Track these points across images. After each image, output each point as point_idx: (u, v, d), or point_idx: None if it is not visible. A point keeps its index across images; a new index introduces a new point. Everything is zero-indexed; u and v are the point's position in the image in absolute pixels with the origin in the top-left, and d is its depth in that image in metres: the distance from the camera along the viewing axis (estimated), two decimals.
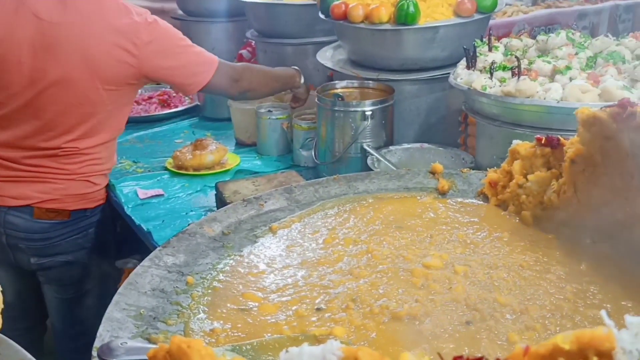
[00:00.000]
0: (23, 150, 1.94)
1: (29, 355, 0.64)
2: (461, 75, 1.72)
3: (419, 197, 1.34)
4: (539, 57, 1.71)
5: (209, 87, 2.03)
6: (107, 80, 1.90)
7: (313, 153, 2.12)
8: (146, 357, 0.62)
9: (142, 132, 2.74)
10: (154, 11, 2.52)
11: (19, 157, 1.95)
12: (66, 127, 1.94)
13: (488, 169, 1.32)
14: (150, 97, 3.10)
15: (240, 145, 2.54)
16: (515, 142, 1.26)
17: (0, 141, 1.95)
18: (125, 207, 2.06)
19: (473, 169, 1.45)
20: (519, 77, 1.54)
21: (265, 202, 1.29)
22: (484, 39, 1.86)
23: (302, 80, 2.28)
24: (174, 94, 3.10)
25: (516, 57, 1.62)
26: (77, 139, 1.96)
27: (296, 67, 2.30)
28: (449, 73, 1.82)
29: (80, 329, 2.14)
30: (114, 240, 2.26)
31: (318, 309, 0.95)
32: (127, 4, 1.94)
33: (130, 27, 1.89)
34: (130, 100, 2.07)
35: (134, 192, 2.16)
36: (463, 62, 1.78)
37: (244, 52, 3.21)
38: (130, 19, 1.90)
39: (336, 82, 2.13)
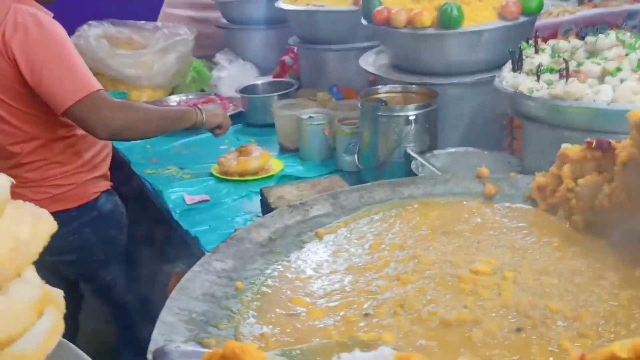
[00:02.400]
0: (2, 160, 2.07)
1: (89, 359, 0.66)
2: (507, 78, 1.69)
3: (465, 202, 1.32)
4: (587, 58, 1.67)
5: (72, 113, 1.94)
6: None
7: (356, 158, 2.13)
8: None
9: (187, 139, 2.79)
10: (197, 20, 2.58)
11: (4, 168, 2.04)
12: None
13: (536, 173, 1.30)
14: (195, 104, 3.16)
15: (283, 150, 2.56)
16: (564, 145, 1.24)
17: None
18: (173, 213, 2.11)
19: (520, 173, 1.43)
20: (567, 80, 1.51)
21: (311, 207, 1.30)
22: (530, 41, 1.83)
23: (204, 116, 2.20)
24: (219, 100, 3.15)
25: (564, 59, 1.59)
26: (14, 144, 2.03)
27: (196, 107, 2.25)
28: (494, 76, 1.80)
29: (123, 312, 2.31)
30: (124, 233, 2.34)
31: (366, 315, 0.96)
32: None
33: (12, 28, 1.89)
34: (38, 104, 2.01)
35: (181, 197, 2.20)
36: (509, 65, 1.76)
37: (286, 58, 3.24)
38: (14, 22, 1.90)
39: (379, 87, 2.13)
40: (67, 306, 0.63)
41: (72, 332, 2.44)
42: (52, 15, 2.05)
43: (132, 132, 2.05)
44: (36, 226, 0.60)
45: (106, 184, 2.30)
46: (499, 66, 1.86)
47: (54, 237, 0.63)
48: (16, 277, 0.58)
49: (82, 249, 2.18)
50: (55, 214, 2.15)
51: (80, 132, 2.11)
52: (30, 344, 0.57)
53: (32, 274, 0.61)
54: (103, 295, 2.30)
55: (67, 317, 0.62)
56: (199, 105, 2.29)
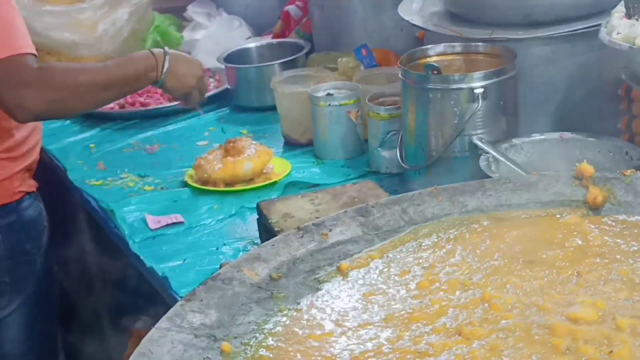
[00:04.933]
0: None
1: None
2: (618, 27, 1.70)
3: (559, 216, 1.33)
4: None
5: None
6: None
7: (398, 153, 2.14)
8: None
9: (150, 133, 2.83)
10: None
11: None
12: None
13: None
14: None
15: (290, 145, 2.58)
16: None
17: None
18: (130, 242, 2.14)
19: None
20: None
21: (331, 230, 1.31)
22: None
23: (166, 66, 2.20)
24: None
25: None
26: None
27: (160, 49, 2.25)
28: (599, 25, 1.80)
29: None
30: (42, 252, 2.39)
31: None
32: None
33: None
34: None
35: (142, 219, 2.23)
36: (621, 8, 1.76)
37: (291, 8, 3.27)
38: None
39: (429, 47, 2.15)
40: None
41: None
42: None
43: (59, 113, 2.18)
44: None
45: (32, 184, 2.38)
46: (606, 10, 1.87)
47: None
48: None
49: None
50: None
51: None
52: None
53: None
54: None
55: None
56: (167, 50, 2.27)
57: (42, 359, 2.47)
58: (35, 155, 2.37)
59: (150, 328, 1.06)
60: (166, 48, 2.28)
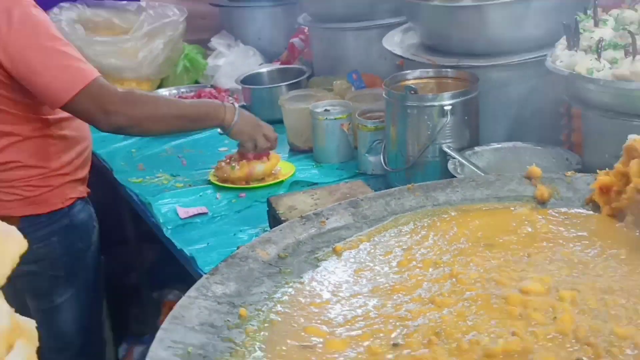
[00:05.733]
0: None
1: None
2: (561, 57, 1.70)
3: (512, 208, 1.33)
4: None
5: (72, 107, 2.03)
6: None
7: (382, 158, 2.14)
8: None
9: (180, 141, 2.83)
10: None
11: None
12: None
13: (598, 171, 1.31)
14: (186, 99, 3.20)
15: (295, 151, 2.59)
16: (631, 137, 1.24)
17: None
18: (164, 229, 2.14)
19: (579, 172, 1.43)
20: (634, 57, 1.52)
21: (327, 218, 1.31)
22: (589, 12, 1.83)
23: (236, 118, 2.19)
24: (217, 94, 3.19)
25: (630, 32, 1.59)
26: None
27: (230, 103, 2.26)
28: (545, 55, 1.81)
29: (60, 344, 2.34)
30: (92, 249, 2.38)
31: (395, 345, 0.97)
32: None
33: None
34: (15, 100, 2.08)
35: (174, 210, 2.23)
36: (563, 42, 1.77)
37: (295, 41, 3.27)
38: None
39: (407, 72, 2.15)
40: None
41: None
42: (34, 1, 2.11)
43: (136, 129, 2.15)
44: (3, 246, 0.62)
45: (83, 190, 2.36)
46: (551, 43, 1.87)
47: None
48: None
49: (44, 260, 2.24)
50: (24, 219, 2.20)
51: (58, 132, 2.19)
52: None
53: None
54: (45, 318, 2.34)
55: None
56: (235, 104, 2.28)
57: (90, 335, 2.47)
58: (86, 170, 2.36)
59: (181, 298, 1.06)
60: (236, 104, 2.30)
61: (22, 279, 2.25)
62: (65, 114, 2.16)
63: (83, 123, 2.24)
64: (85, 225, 2.35)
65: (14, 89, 2.05)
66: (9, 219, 2.28)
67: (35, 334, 0.68)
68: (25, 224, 2.15)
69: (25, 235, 2.18)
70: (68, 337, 2.38)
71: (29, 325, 0.68)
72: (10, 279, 0.71)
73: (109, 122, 2.07)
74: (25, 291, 2.32)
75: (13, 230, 0.67)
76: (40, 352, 0.67)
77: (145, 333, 3.25)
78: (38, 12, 2.07)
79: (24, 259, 2.38)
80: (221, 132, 2.30)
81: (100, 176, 2.76)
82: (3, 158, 2.14)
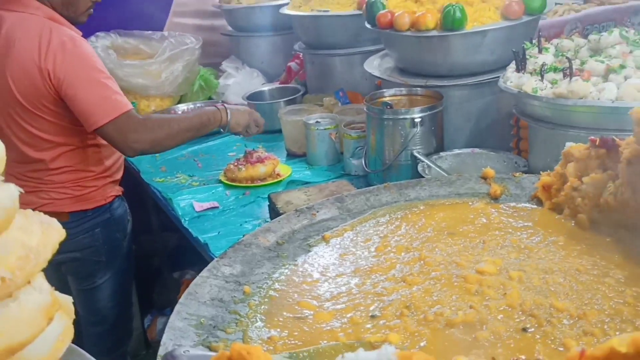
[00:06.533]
0: (23, 164, 2.14)
1: None
2: (511, 78, 1.70)
3: (470, 203, 1.33)
4: (591, 57, 1.68)
5: (101, 133, 2.02)
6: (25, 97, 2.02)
7: (363, 162, 2.14)
8: None
9: (196, 147, 2.82)
10: (204, 28, 2.59)
11: (24, 172, 2.15)
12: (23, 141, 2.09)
13: (541, 172, 1.31)
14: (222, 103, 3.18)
15: (291, 156, 2.58)
16: (568, 144, 1.25)
17: (11, 158, 2.10)
18: (183, 220, 2.13)
19: (526, 173, 1.43)
20: (570, 78, 1.52)
21: (318, 211, 1.31)
22: (534, 41, 1.84)
23: (229, 117, 2.21)
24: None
25: (567, 57, 1.60)
26: (40, 151, 2.11)
27: (222, 104, 2.26)
28: (498, 77, 1.81)
29: (97, 318, 2.36)
30: (127, 238, 2.39)
31: (372, 316, 0.97)
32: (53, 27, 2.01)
33: (48, 48, 1.96)
34: (68, 118, 2.08)
35: (190, 205, 2.22)
36: (513, 65, 1.77)
37: (292, 64, 3.26)
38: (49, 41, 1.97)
39: (384, 90, 2.14)
40: None
41: None
42: (82, 34, 2.12)
43: (157, 149, 2.14)
44: (45, 234, 0.62)
45: (119, 189, 2.38)
46: (503, 66, 1.87)
47: (68, 235, 0.65)
48: (26, 284, 0.60)
49: (88, 248, 2.25)
50: (73, 214, 2.23)
51: (101, 142, 2.19)
52: (41, 349, 0.59)
53: (41, 280, 0.63)
54: (86, 297, 2.36)
55: None
56: (226, 105, 2.27)
57: (123, 308, 2.48)
58: (121, 172, 2.36)
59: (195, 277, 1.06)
60: (225, 104, 2.30)
61: (67, 265, 2.25)
62: None
63: None
64: (122, 218, 2.35)
65: (66, 107, 2.04)
66: (59, 215, 2.29)
67: (71, 308, 0.67)
68: (73, 218, 2.17)
69: (73, 228, 2.16)
70: (104, 312, 2.38)
71: (67, 300, 0.67)
72: (54, 264, 0.71)
73: (133, 150, 2.04)
74: (68, 274, 2.32)
75: (54, 221, 0.66)
76: (80, 325, 0.66)
77: (167, 306, 3.24)
78: (87, 46, 2.06)
79: (70, 247, 2.39)
80: (222, 130, 2.28)
81: (130, 177, 2.74)
82: (57, 164, 2.15)
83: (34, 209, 0.68)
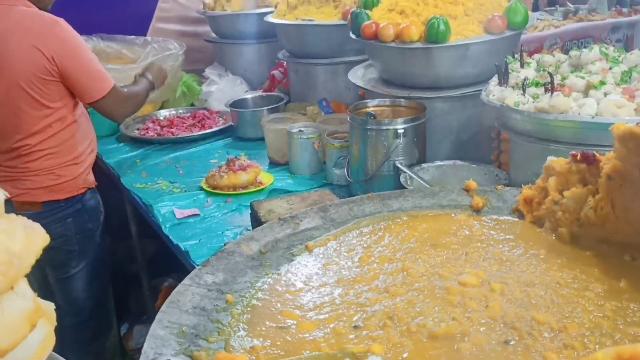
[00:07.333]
0: (1, 153, 2.27)
1: None
2: (493, 92, 1.72)
3: (453, 215, 1.34)
4: (572, 72, 1.71)
5: (97, 105, 2.28)
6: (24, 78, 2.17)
7: (346, 171, 2.14)
8: None
9: (177, 153, 2.81)
10: (187, 34, 2.71)
11: (1, 160, 2.28)
12: (12, 127, 2.21)
13: (523, 185, 1.32)
14: (183, 119, 3.17)
15: (273, 164, 2.57)
16: (549, 158, 1.26)
17: None
18: (163, 227, 2.11)
19: (507, 186, 1.45)
20: (552, 93, 1.54)
21: (301, 220, 1.31)
22: (516, 55, 1.86)
23: (152, 78, 2.63)
24: (209, 115, 3.17)
25: (549, 73, 1.62)
26: (26, 137, 2.22)
27: (146, 73, 2.64)
28: (480, 90, 1.83)
29: (75, 308, 2.44)
30: (100, 230, 2.49)
31: (355, 327, 0.96)
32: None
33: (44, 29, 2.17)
34: (59, 96, 2.26)
35: (171, 212, 2.20)
36: (495, 79, 1.79)
37: (275, 72, 3.27)
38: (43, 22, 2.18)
39: (368, 100, 2.16)
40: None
41: None
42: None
43: (133, 114, 2.60)
44: (29, 239, 0.61)
45: (92, 181, 2.45)
46: (485, 80, 1.89)
47: (42, 225, 0.65)
48: (9, 290, 0.59)
49: (61, 237, 2.32)
50: (46, 203, 2.37)
51: (80, 120, 2.35)
52: (23, 356, 0.58)
53: (24, 286, 0.62)
54: (62, 285, 2.41)
55: None
56: (144, 72, 2.66)
57: (98, 302, 2.54)
58: (92, 158, 2.47)
59: (177, 285, 1.05)
60: (148, 74, 2.66)
61: (43, 254, 2.26)
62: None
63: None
64: (95, 209, 2.44)
65: (56, 85, 2.23)
66: (33, 204, 2.39)
67: (54, 315, 0.66)
68: (47, 208, 2.27)
69: (47, 217, 2.20)
70: (80, 301, 2.45)
71: (49, 307, 0.66)
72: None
73: (123, 116, 2.47)
74: (45, 263, 2.37)
75: (37, 225, 0.65)
76: (58, 316, 0.65)
77: (144, 314, 3.20)
78: (78, 37, 2.28)
79: None
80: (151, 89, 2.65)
81: (109, 182, 2.72)
82: (39, 147, 2.24)
83: (10, 199, 0.67)
